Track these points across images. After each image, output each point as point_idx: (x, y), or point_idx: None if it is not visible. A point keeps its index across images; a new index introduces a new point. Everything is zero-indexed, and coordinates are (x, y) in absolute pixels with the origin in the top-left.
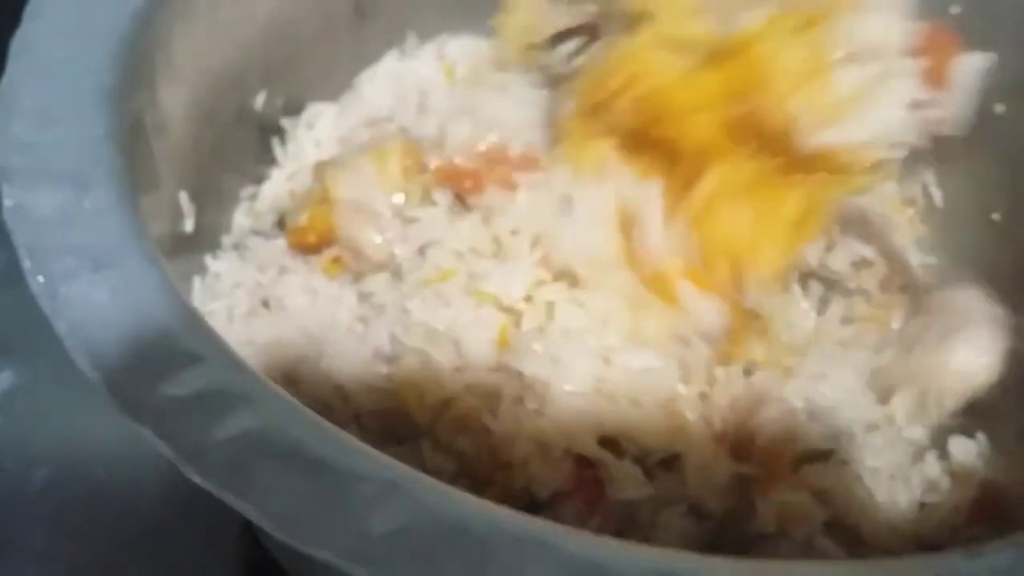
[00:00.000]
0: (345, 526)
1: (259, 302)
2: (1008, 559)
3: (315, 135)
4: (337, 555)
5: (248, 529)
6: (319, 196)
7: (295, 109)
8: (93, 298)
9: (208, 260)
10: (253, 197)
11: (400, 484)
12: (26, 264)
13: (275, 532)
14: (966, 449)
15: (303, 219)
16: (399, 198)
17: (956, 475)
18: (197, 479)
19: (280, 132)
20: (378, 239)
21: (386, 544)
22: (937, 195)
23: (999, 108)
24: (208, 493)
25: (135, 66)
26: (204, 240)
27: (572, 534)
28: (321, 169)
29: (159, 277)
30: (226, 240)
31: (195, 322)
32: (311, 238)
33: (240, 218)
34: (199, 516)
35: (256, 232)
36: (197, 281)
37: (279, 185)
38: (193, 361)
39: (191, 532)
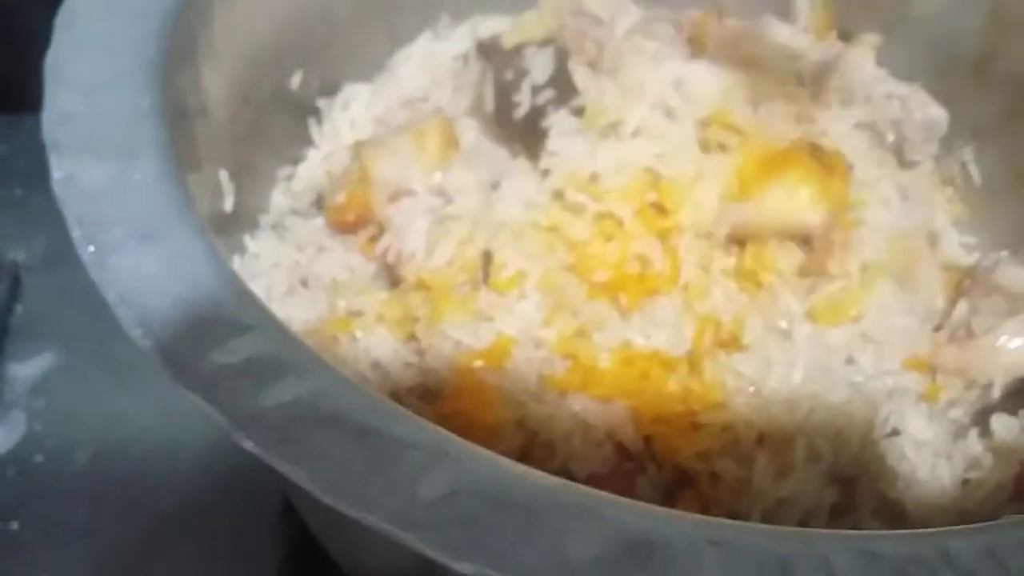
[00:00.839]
0: (393, 491)
1: (298, 281)
2: None
3: (351, 116)
4: (385, 519)
5: (288, 506)
6: (357, 175)
7: (331, 90)
8: (142, 268)
9: (247, 240)
10: (290, 178)
11: (448, 451)
12: (75, 234)
13: (324, 496)
14: (1008, 426)
15: (341, 198)
16: (436, 176)
17: (998, 452)
18: (248, 445)
19: (316, 113)
20: (416, 218)
21: (434, 509)
22: (975, 173)
23: None
24: (246, 470)
25: (177, 43)
26: (243, 220)
27: (618, 502)
28: (359, 148)
29: (207, 247)
30: (264, 220)
31: (243, 292)
32: (349, 216)
33: (278, 198)
34: (238, 492)
35: (294, 212)
36: (236, 260)
37: (316, 166)
38: (242, 330)
39: (230, 509)
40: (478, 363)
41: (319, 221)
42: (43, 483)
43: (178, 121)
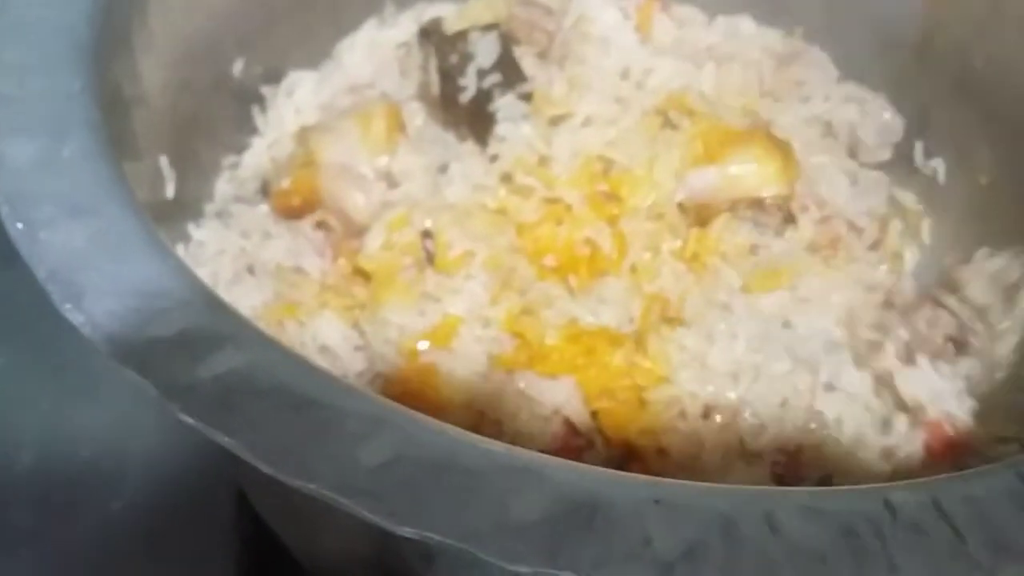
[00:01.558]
0: (334, 458)
1: (244, 268)
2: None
3: (295, 103)
4: (326, 486)
5: (241, 504)
6: (302, 160)
7: (274, 78)
8: (72, 243)
9: (191, 228)
10: (235, 166)
11: (389, 418)
12: (4, 211)
13: (264, 466)
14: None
15: (286, 183)
16: (383, 160)
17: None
18: (184, 417)
19: (260, 100)
20: (363, 201)
21: (375, 475)
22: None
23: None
24: (197, 469)
25: (111, 28)
26: (187, 208)
27: (561, 464)
28: (305, 133)
29: (138, 222)
30: (209, 208)
31: (177, 265)
32: (295, 201)
33: (222, 187)
34: (189, 492)
35: (239, 199)
36: (180, 248)
37: (260, 153)
38: (176, 303)
39: (182, 508)
40: (424, 344)
41: (264, 208)
42: None
43: (113, 105)
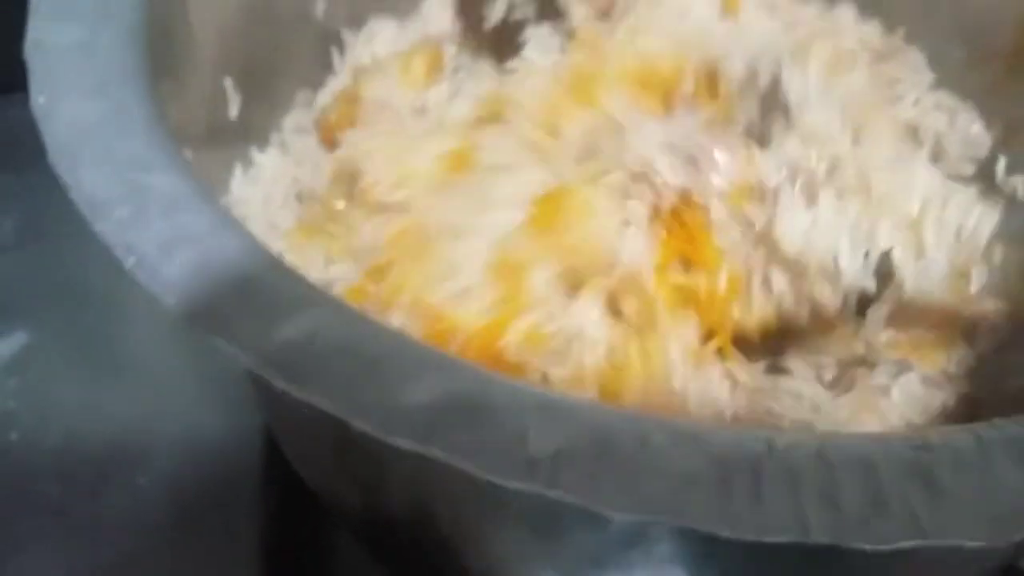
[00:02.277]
0: (256, 332)
1: (293, 194)
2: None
3: (372, 47)
4: (247, 353)
5: (268, 478)
6: (350, 95)
7: (357, 22)
8: (83, 117)
9: (254, 152)
10: (308, 102)
11: (321, 303)
12: (32, 86)
13: (188, 323)
14: None
15: (333, 116)
16: (419, 97)
17: None
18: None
19: (340, 42)
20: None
21: (290, 348)
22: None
23: None
24: (224, 444)
25: None
26: (253, 133)
27: (464, 363)
28: (356, 72)
29: (147, 108)
30: (275, 137)
31: (172, 144)
32: (337, 134)
33: (291, 118)
34: (216, 466)
35: (299, 129)
36: (238, 168)
37: (333, 92)
38: (167, 172)
39: (208, 483)
40: None
41: (316, 138)
42: (17, 460)
43: (170, 16)
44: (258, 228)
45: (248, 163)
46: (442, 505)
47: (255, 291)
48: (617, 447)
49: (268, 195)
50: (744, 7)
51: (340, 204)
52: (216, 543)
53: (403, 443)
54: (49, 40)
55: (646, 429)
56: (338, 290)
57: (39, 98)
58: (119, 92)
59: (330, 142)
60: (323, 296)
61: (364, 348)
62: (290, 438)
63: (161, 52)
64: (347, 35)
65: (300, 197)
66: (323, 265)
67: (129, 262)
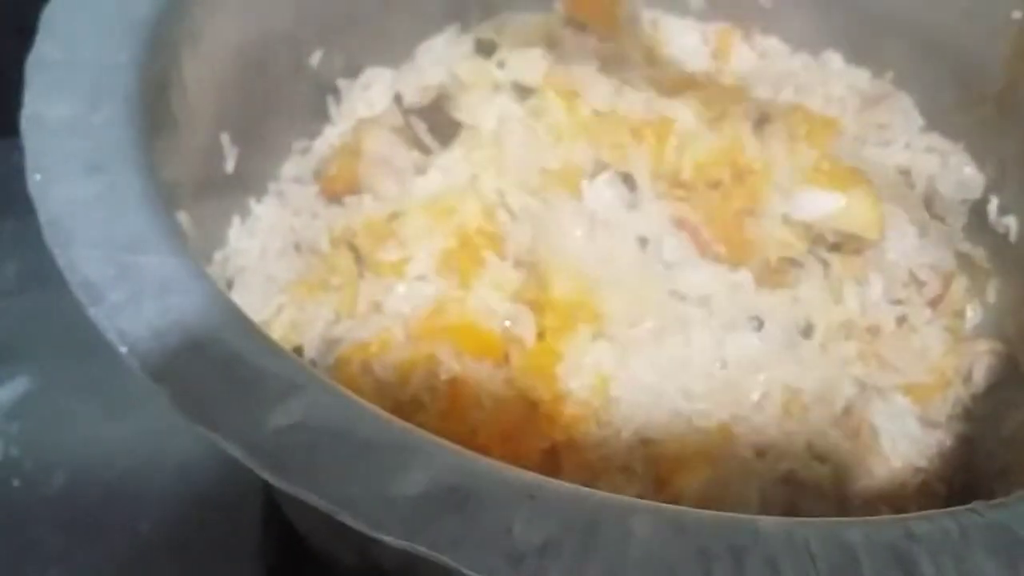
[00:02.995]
0: (245, 416)
1: (291, 245)
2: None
3: (369, 97)
4: (232, 440)
5: (269, 518)
6: (351, 148)
7: (353, 72)
8: (79, 195)
9: (252, 203)
10: (305, 151)
11: (305, 385)
12: (29, 165)
13: (178, 412)
14: None
15: (334, 168)
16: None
17: None
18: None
19: (336, 91)
20: (395, 190)
21: (279, 436)
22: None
23: None
24: (225, 485)
25: (174, 10)
26: (250, 184)
27: (455, 450)
28: (358, 125)
29: (141, 183)
30: (272, 187)
31: (165, 220)
32: (338, 186)
33: (289, 168)
34: (217, 508)
35: (297, 179)
36: (237, 221)
37: (330, 142)
38: (154, 247)
39: (210, 525)
40: None
41: (315, 189)
42: (20, 507)
43: (163, 79)
44: (256, 280)
45: (246, 213)
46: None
47: (244, 376)
48: (603, 538)
49: (266, 246)
50: (736, 52)
51: (344, 261)
52: None
53: (389, 539)
54: (45, 115)
55: (632, 517)
56: (344, 348)
57: (35, 175)
58: (114, 168)
59: (330, 193)
60: (312, 377)
61: (352, 435)
62: (284, 497)
63: (157, 114)
64: (342, 84)
65: (298, 248)
66: (327, 323)
67: (122, 350)
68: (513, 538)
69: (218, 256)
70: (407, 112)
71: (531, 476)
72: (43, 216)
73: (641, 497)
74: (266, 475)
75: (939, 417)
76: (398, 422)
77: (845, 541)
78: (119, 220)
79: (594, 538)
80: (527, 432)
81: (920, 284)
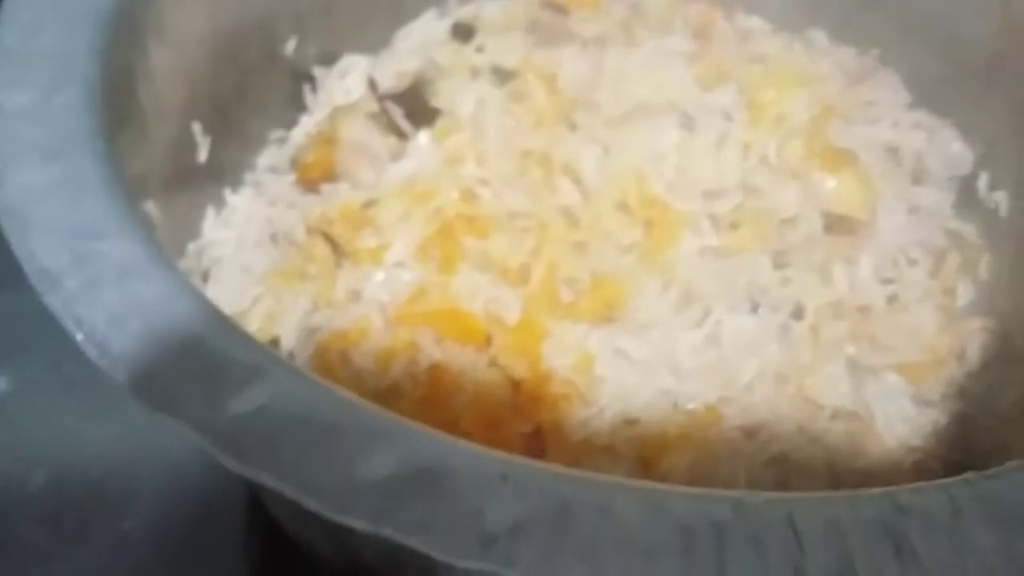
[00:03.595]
0: (206, 402)
1: (267, 235)
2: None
3: (345, 85)
4: (193, 426)
5: (253, 517)
6: (327, 136)
7: (328, 60)
8: (35, 183)
9: (227, 194)
10: (282, 140)
11: (267, 370)
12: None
13: (135, 399)
14: None
15: (310, 157)
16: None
17: None
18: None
19: (312, 80)
20: (372, 176)
21: (240, 422)
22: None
23: None
24: (208, 484)
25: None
26: (224, 175)
27: (422, 431)
28: (334, 112)
29: (101, 169)
30: (249, 177)
31: (126, 206)
32: (315, 174)
33: (265, 159)
34: (201, 505)
35: (272, 169)
36: (211, 211)
37: (307, 131)
38: (119, 237)
39: (193, 523)
40: None
41: (291, 178)
42: (2, 505)
43: (126, 69)
44: (231, 272)
45: (221, 205)
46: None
47: (206, 362)
48: (578, 518)
49: (242, 236)
50: (719, 35)
51: (321, 250)
52: None
53: (355, 523)
54: (2, 104)
55: (609, 496)
56: (322, 337)
57: None
58: (73, 155)
59: (307, 182)
60: (276, 362)
61: (317, 419)
62: (265, 492)
63: (121, 105)
64: (319, 73)
65: (274, 238)
66: (304, 313)
67: (78, 337)
68: (484, 520)
69: (192, 248)
70: (383, 98)
71: (504, 456)
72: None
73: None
74: (227, 461)
75: (933, 396)
76: (365, 404)
77: (831, 516)
78: (77, 207)
79: (570, 519)
80: (510, 416)
81: (911, 262)
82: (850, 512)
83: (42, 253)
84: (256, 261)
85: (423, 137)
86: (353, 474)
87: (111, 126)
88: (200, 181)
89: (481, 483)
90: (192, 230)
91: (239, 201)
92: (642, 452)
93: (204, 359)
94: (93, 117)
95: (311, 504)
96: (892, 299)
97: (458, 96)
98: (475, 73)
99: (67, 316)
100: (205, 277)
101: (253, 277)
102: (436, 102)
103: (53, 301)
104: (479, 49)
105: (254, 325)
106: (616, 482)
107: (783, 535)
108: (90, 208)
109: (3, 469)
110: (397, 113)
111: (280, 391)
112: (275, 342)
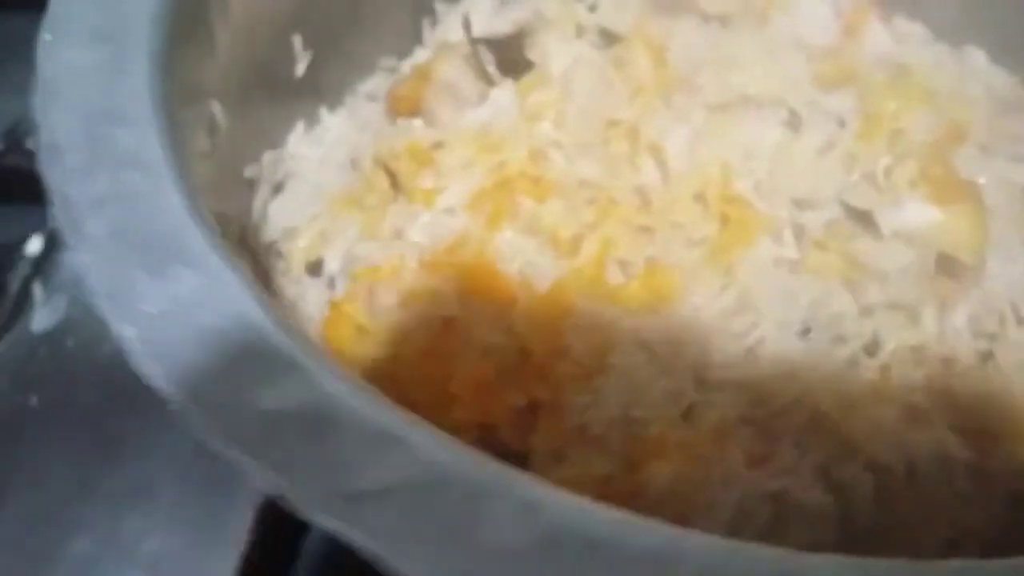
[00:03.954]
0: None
1: (350, 161)
2: None
3: (465, 23)
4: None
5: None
6: (425, 71)
7: None
8: (78, 61)
9: (323, 112)
10: (392, 70)
11: (303, 365)
12: (44, 25)
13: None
14: None
15: (404, 89)
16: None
17: None
18: None
19: (433, 13)
20: (450, 118)
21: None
22: None
23: None
24: None
25: None
26: (323, 93)
27: (340, 371)
28: (439, 49)
29: (148, 57)
30: (349, 100)
31: (160, 96)
32: (404, 107)
33: (368, 85)
34: None
35: (370, 96)
36: (301, 125)
37: (415, 63)
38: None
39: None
40: None
41: (381, 106)
42: (69, 366)
43: None
44: (305, 188)
45: (314, 122)
46: None
47: (162, 258)
48: (450, 501)
49: (327, 156)
50: (868, 34)
51: (381, 183)
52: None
53: (233, 453)
54: None
55: (499, 488)
56: (357, 268)
57: (46, 35)
58: (125, 41)
59: (395, 113)
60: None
61: (233, 336)
62: None
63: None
64: (440, 8)
65: (355, 164)
66: (351, 241)
67: (58, 216)
68: (359, 478)
69: (268, 157)
70: (476, 42)
71: (413, 419)
72: (40, 76)
73: (608, 477)
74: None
75: (995, 472)
76: (299, 333)
77: None
78: (110, 90)
79: (442, 499)
80: (505, 386)
81: (1021, 321)
82: None
83: (59, 128)
84: (331, 182)
85: (506, 88)
86: (250, 402)
87: (178, 21)
88: (292, 94)
89: (374, 441)
90: (273, 140)
91: (334, 122)
92: (631, 451)
93: (163, 251)
94: (160, 6)
95: (199, 428)
96: (987, 357)
97: (553, 52)
98: (580, 31)
99: (56, 193)
100: (278, 188)
101: (321, 196)
102: (531, 54)
103: (50, 176)
104: (592, 7)
105: (304, 241)
106: (516, 479)
107: None
108: (121, 93)
109: (80, 332)
110: (488, 59)
111: (214, 297)
112: (318, 264)
